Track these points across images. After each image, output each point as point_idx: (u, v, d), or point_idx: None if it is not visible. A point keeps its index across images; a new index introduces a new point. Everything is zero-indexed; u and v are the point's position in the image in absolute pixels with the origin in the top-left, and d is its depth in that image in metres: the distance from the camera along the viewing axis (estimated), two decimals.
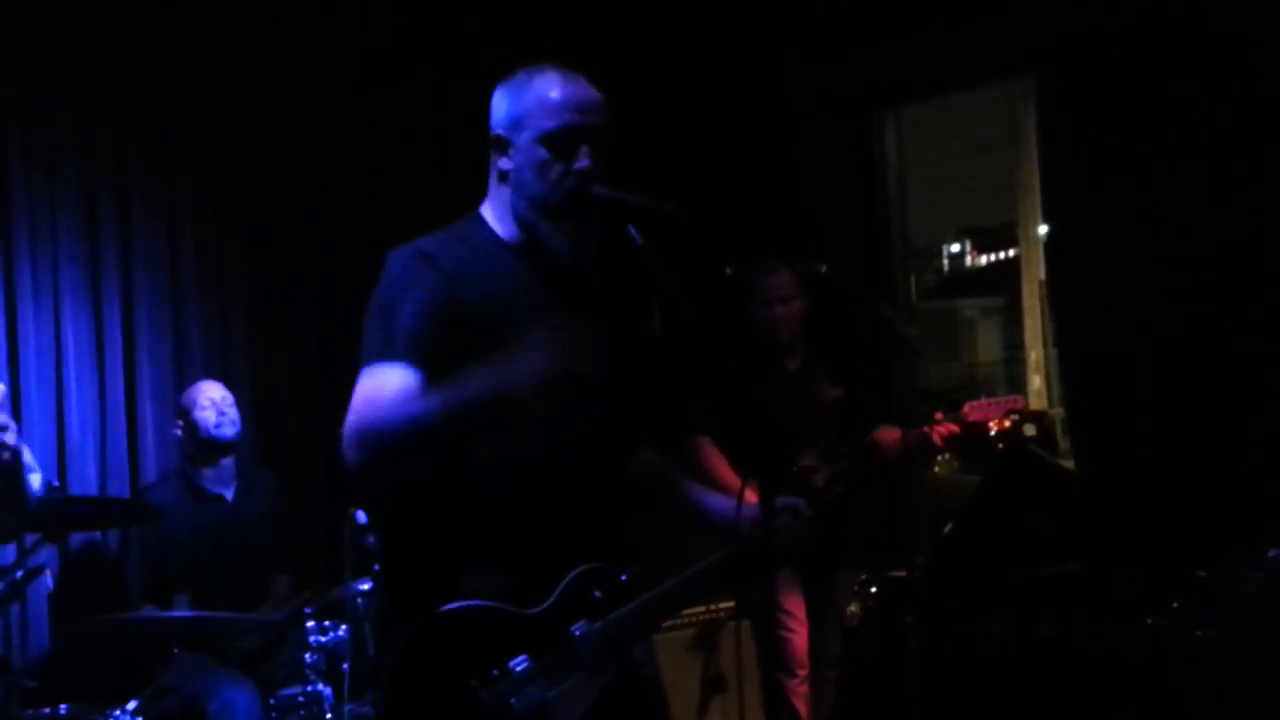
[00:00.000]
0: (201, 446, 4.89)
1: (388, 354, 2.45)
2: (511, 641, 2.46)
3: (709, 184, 5.70)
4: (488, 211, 2.65)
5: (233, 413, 4.91)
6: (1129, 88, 5.13)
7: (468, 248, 2.59)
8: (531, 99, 2.56)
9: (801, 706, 4.47)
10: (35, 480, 4.12)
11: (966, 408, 4.41)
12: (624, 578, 2.59)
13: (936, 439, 4.33)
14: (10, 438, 3.19)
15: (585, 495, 2.58)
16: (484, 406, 2.36)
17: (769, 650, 4.45)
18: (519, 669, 2.46)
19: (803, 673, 4.49)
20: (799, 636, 4.50)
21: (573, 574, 2.54)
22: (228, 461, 4.95)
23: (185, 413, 4.92)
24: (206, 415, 4.87)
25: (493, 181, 2.64)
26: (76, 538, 4.93)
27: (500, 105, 2.61)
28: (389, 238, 2.68)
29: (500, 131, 2.59)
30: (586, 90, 2.58)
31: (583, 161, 2.53)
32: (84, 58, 5.13)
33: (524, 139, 2.55)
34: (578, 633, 2.52)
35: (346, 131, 5.64)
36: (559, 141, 2.53)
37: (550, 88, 2.56)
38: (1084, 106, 5.25)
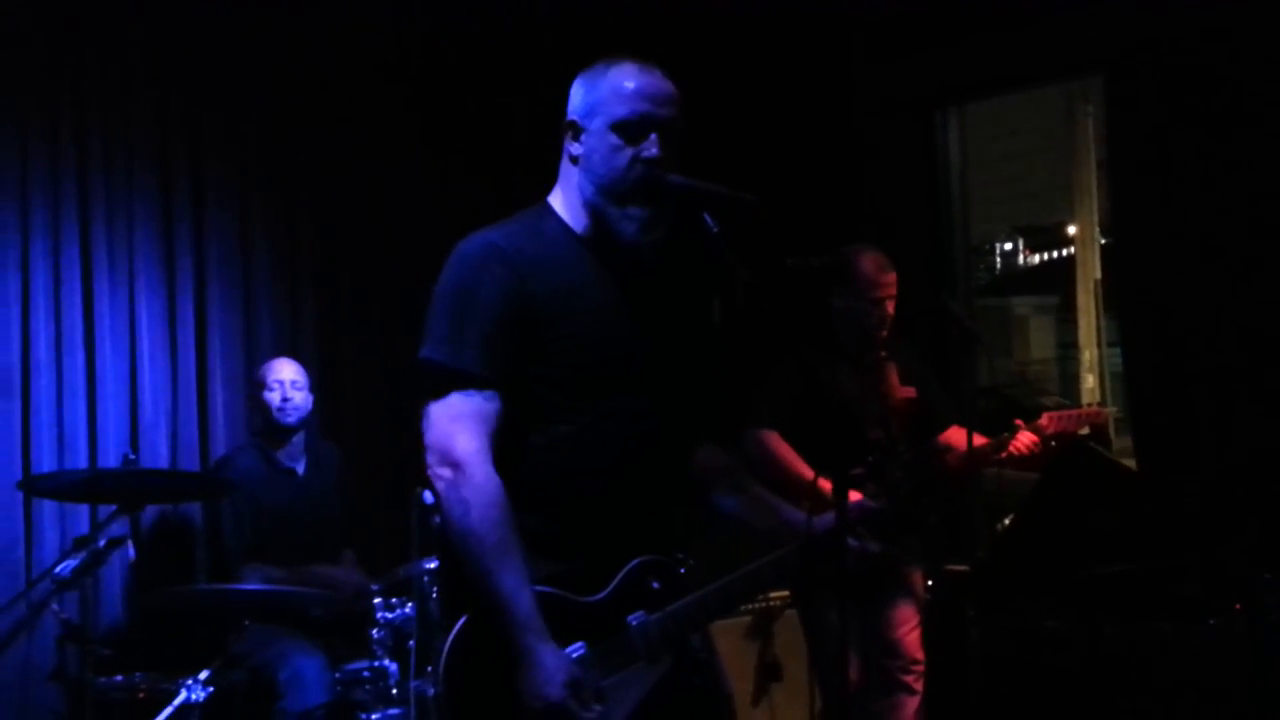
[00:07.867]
0: (268, 424, 4.99)
1: (459, 359, 2.50)
2: (568, 628, 2.46)
3: (775, 178, 5.72)
4: (556, 199, 2.69)
5: (299, 396, 4.96)
6: (1198, 90, 5.14)
7: (536, 238, 2.61)
8: (606, 87, 2.61)
9: None
10: None
11: (1045, 419, 4.20)
12: (682, 571, 2.61)
13: (1014, 450, 4.13)
14: None
15: (644, 485, 2.60)
16: (507, 634, 2.41)
17: (823, 662, 4.22)
18: (575, 655, 2.46)
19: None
20: None
21: (632, 564, 2.56)
22: (297, 438, 5.03)
23: (257, 388, 5.01)
24: (272, 397, 4.95)
25: (563, 167, 2.69)
26: (150, 510, 5.01)
27: (577, 93, 2.66)
28: (454, 221, 2.75)
29: (575, 117, 2.64)
30: (661, 83, 2.62)
31: (651, 149, 2.57)
32: (162, 53, 5.22)
33: (596, 125, 2.60)
34: (634, 622, 2.53)
35: (415, 118, 5.71)
36: (630, 128, 2.58)
37: (626, 77, 2.61)
38: (1153, 108, 5.25)
